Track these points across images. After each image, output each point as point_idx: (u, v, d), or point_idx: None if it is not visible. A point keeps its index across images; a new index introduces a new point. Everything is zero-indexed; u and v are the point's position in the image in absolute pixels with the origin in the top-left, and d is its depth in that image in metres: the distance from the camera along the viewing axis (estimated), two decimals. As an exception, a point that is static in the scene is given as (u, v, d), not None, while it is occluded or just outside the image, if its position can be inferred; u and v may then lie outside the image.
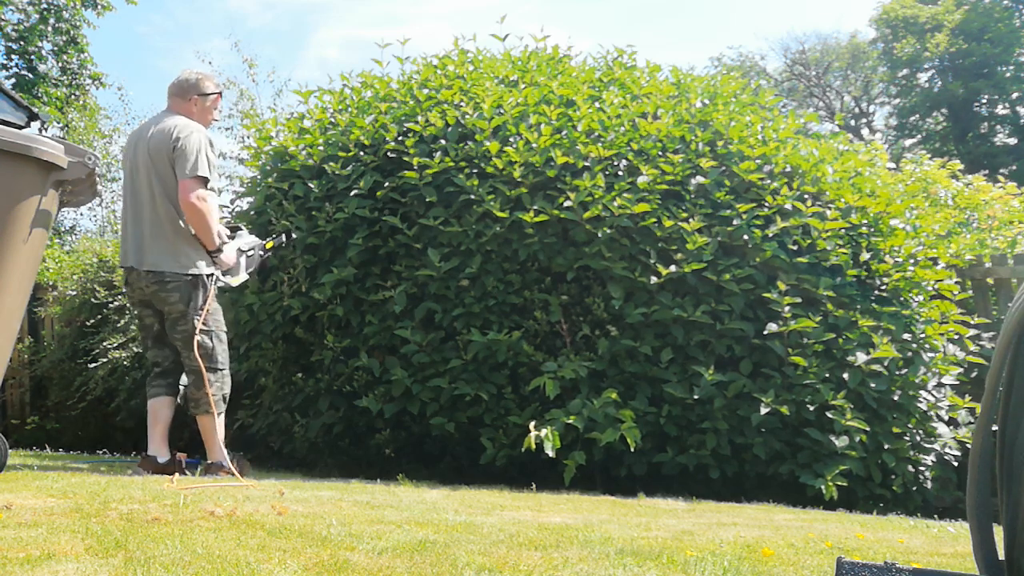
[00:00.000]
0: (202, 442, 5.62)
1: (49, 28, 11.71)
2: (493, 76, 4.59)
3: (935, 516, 3.56)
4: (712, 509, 3.15)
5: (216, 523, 2.09)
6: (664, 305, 3.85)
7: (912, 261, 4.28)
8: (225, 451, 3.62)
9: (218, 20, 39.83)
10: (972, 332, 4.38)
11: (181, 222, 3.52)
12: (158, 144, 3.54)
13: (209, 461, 3.61)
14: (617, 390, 3.78)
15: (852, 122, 28.31)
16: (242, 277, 3.82)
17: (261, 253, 4.00)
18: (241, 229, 3.99)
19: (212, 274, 3.58)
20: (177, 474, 3.42)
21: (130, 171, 3.67)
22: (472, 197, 4.00)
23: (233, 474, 3.45)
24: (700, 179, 4.06)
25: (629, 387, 3.90)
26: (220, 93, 3.85)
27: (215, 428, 3.59)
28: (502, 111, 4.22)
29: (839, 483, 3.65)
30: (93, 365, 5.83)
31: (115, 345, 5.72)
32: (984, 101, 23.95)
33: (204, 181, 3.49)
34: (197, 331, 3.52)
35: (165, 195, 3.52)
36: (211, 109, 3.77)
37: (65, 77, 12.11)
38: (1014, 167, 20.76)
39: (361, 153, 4.33)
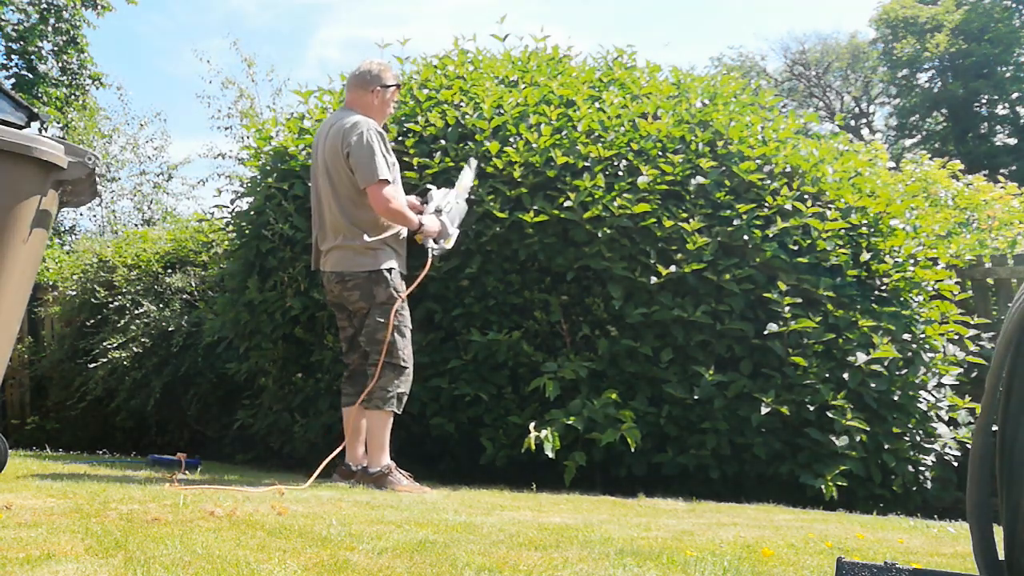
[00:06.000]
0: (204, 442, 5.61)
1: (49, 28, 11.70)
2: (493, 76, 4.59)
3: (935, 516, 3.56)
4: (712, 509, 3.15)
5: (216, 523, 2.09)
6: (664, 305, 3.85)
7: (912, 261, 4.28)
8: (389, 459, 3.45)
9: (218, 20, 39.82)
10: (972, 332, 4.38)
11: (356, 220, 3.47)
12: (334, 143, 3.49)
13: (370, 469, 3.43)
14: (617, 390, 3.78)
15: (852, 122, 28.30)
16: (455, 234, 3.68)
17: (459, 201, 3.76)
18: (431, 189, 3.79)
19: (393, 268, 3.49)
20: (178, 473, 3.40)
21: (313, 173, 3.65)
22: (472, 197, 4.00)
23: (392, 484, 3.34)
24: (700, 179, 4.06)
25: (629, 387, 3.90)
26: (399, 86, 3.80)
27: (380, 429, 3.43)
28: (502, 111, 4.22)
29: (839, 483, 3.66)
30: (93, 365, 5.82)
31: (115, 345, 5.71)
32: (984, 101, 23.94)
33: (386, 183, 3.44)
34: (389, 325, 3.41)
35: (341, 194, 3.48)
36: (390, 102, 3.71)
37: (65, 77, 12.11)
38: (1014, 167, 20.75)
39: (361, 153, 4.33)
